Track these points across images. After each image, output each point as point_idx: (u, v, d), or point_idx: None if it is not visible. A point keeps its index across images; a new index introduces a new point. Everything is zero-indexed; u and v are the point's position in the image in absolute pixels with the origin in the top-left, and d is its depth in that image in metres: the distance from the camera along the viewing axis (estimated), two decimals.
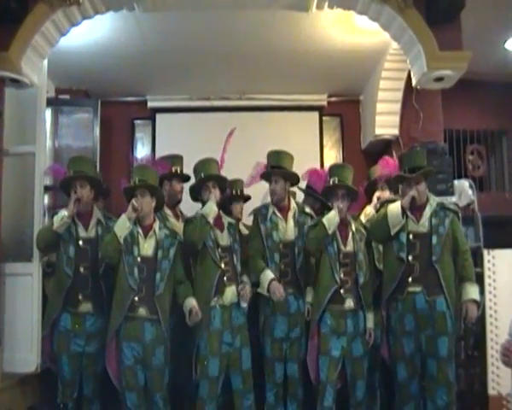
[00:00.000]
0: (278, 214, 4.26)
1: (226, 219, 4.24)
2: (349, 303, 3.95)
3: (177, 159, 4.67)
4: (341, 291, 3.94)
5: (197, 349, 3.93)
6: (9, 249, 4.28)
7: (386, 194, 4.59)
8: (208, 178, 4.11)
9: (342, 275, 3.96)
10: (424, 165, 3.94)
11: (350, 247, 4.05)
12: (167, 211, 4.47)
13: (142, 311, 3.78)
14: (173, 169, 4.58)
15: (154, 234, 3.94)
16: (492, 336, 4.11)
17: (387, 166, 4.66)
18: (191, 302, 3.85)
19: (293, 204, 4.34)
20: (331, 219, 3.95)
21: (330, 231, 3.95)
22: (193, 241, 3.97)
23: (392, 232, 3.90)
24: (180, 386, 4.12)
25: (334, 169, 4.21)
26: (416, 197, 3.86)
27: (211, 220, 3.97)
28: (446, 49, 4.15)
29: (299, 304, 4.15)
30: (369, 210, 4.60)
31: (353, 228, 4.11)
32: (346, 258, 4.02)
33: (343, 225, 4.06)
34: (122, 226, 3.80)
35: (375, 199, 4.66)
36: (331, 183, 4.08)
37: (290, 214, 4.28)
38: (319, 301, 3.97)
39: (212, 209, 3.98)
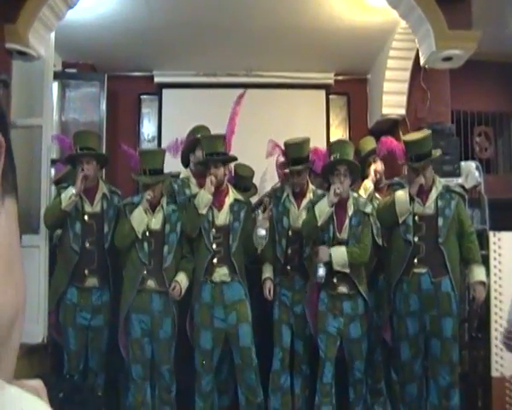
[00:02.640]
0: (292, 200, 4.20)
1: (232, 196, 4.11)
2: (342, 289, 3.89)
3: (198, 128, 4.56)
4: (334, 280, 3.88)
5: (191, 321, 3.98)
6: None
7: (379, 166, 4.63)
8: (210, 157, 4.02)
9: None
10: (430, 150, 3.88)
11: (345, 234, 3.93)
12: (192, 179, 4.45)
13: (150, 283, 3.87)
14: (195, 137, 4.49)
15: (161, 209, 4.00)
16: (497, 318, 4.12)
17: (387, 144, 4.64)
18: (178, 277, 3.92)
19: (309, 192, 4.23)
20: (322, 209, 3.82)
21: (319, 223, 3.82)
22: (187, 232, 4.01)
23: (400, 220, 3.89)
24: (184, 361, 4.16)
25: (335, 145, 4.09)
26: (424, 184, 3.86)
27: (203, 212, 3.93)
28: (455, 28, 4.12)
29: (306, 284, 4.11)
30: (369, 185, 4.57)
31: (350, 213, 3.95)
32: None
33: (342, 208, 3.93)
34: (141, 220, 3.88)
35: (371, 172, 4.63)
36: (332, 159, 3.94)
37: (305, 202, 4.18)
38: (311, 280, 3.99)
39: (203, 200, 3.92)
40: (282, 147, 4.28)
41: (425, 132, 4.03)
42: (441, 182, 3.98)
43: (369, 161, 4.64)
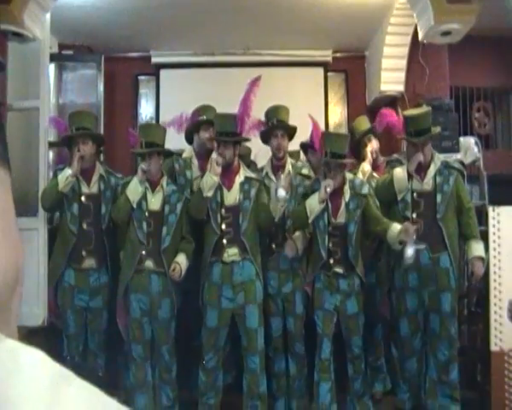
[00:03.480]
0: (271, 175, 4.17)
1: (243, 175, 4.02)
2: (338, 270, 3.87)
3: (204, 108, 4.48)
4: (330, 261, 3.86)
5: (202, 299, 3.97)
6: (15, 204, 4.28)
7: (375, 145, 4.58)
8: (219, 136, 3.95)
9: (331, 245, 3.86)
10: (429, 126, 3.86)
11: (341, 218, 3.89)
12: (194, 160, 4.40)
13: (148, 263, 3.85)
14: (199, 119, 4.43)
15: (161, 189, 3.97)
16: (496, 293, 4.13)
17: (387, 116, 4.60)
18: (179, 258, 3.89)
19: (288, 165, 4.20)
20: (313, 207, 3.78)
21: (310, 220, 3.81)
22: (192, 216, 3.97)
23: (399, 197, 3.89)
24: (187, 340, 4.18)
25: (327, 139, 3.97)
26: (423, 161, 3.84)
27: (209, 194, 3.84)
28: (454, 1, 4.08)
29: (292, 261, 4.06)
30: (367, 168, 4.52)
31: (346, 198, 3.90)
32: (336, 230, 3.89)
33: (337, 195, 3.87)
34: (135, 191, 3.86)
35: (368, 154, 4.59)
36: (324, 153, 3.85)
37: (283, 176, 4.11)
38: (311, 267, 4.00)
39: (208, 183, 3.82)
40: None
41: (425, 108, 4.01)
42: (440, 158, 3.97)
43: (365, 142, 4.61)
